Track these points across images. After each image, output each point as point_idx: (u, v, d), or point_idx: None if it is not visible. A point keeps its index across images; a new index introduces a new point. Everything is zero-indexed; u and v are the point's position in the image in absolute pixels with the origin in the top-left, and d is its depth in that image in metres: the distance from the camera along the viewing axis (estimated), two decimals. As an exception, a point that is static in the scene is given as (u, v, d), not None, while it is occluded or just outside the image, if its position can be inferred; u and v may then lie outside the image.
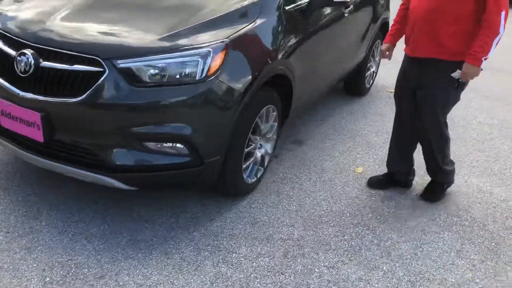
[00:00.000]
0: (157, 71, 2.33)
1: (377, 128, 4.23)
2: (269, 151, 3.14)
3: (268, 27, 2.82)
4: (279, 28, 2.90)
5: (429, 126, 2.91)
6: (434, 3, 2.65)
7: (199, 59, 2.36)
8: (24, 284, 2.20)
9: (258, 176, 3.07)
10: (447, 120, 2.95)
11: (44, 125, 2.36)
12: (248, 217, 2.82)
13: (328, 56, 3.69)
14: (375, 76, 5.23)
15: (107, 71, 2.27)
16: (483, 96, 5.30)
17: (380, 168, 3.47)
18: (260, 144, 3.05)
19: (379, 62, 5.22)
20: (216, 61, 2.41)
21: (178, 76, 2.35)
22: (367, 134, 4.10)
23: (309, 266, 2.47)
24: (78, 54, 2.31)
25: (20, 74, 2.37)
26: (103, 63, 2.28)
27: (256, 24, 2.73)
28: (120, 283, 2.25)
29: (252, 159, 2.95)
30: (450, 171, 3.13)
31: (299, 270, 2.44)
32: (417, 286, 2.40)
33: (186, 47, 2.38)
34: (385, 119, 4.38)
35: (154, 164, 2.44)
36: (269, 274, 2.39)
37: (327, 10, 3.49)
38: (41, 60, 2.35)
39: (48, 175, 2.95)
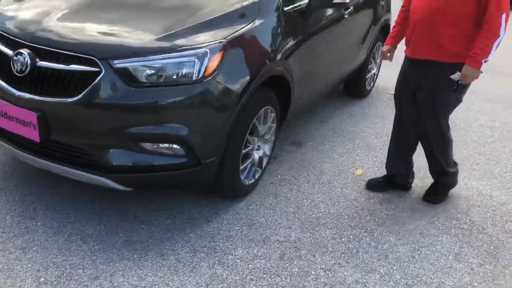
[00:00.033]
0: (153, 71, 2.32)
1: (377, 130, 4.21)
2: (267, 152, 3.12)
3: (266, 28, 2.81)
4: (278, 29, 2.89)
5: (430, 128, 2.89)
6: (434, 4, 2.64)
7: (196, 60, 2.35)
8: (18, 284, 2.19)
9: (256, 178, 3.05)
10: (449, 122, 2.93)
11: (40, 125, 2.36)
12: (245, 218, 2.80)
13: (327, 58, 3.67)
14: (376, 78, 5.21)
15: (103, 71, 2.26)
16: (485, 98, 5.28)
17: (380, 171, 3.45)
18: (258, 146, 3.04)
19: (380, 64, 5.20)
20: (213, 62, 2.40)
21: (175, 77, 2.34)
22: (367, 136, 4.08)
23: (306, 269, 2.45)
24: (75, 54, 2.30)
25: (17, 74, 2.37)
26: (100, 63, 2.27)
27: (255, 25, 2.72)
28: (115, 284, 2.24)
29: (249, 160, 2.94)
30: (453, 173, 3.11)
31: (295, 273, 2.42)
32: (414, 290, 2.39)
33: (183, 48, 2.37)
34: (386, 121, 4.35)
35: (150, 164, 2.43)
36: (265, 276, 2.38)
37: (327, 11, 3.48)
38: (37, 60, 2.34)
39: (45, 175, 2.95)
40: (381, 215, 2.96)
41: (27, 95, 2.35)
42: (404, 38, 2.96)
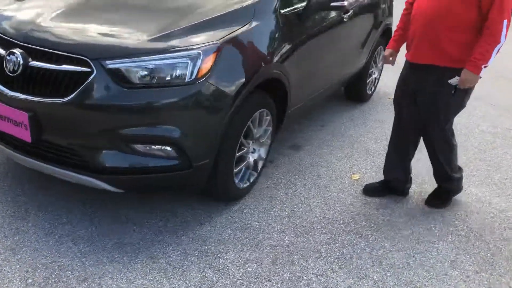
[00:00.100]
0: (146, 72, 2.30)
1: (376, 135, 4.17)
2: (263, 155, 3.09)
3: (262, 30, 2.79)
4: (274, 32, 2.87)
5: (433, 133, 2.86)
6: (436, 9, 2.61)
7: (189, 61, 2.33)
8: (6, 285, 2.17)
9: (251, 181, 3.02)
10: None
11: (31, 125, 2.34)
12: (238, 222, 2.77)
13: (326, 62, 3.64)
14: (378, 82, 5.17)
15: (95, 72, 2.25)
16: (488, 104, 5.22)
17: (377, 176, 3.41)
18: (254, 149, 3.01)
19: (382, 68, 5.16)
20: (206, 63, 2.38)
21: (167, 78, 2.32)
22: (366, 141, 4.04)
23: (298, 274, 2.42)
24: (67, 54, 2.29)
25: (9, 74, 2.36)
26: (91, 63, 2.25)
27: (251, 26, 2.70)
28: (103, 287, 2.21)
29: (244, 163, 2.91)
30: (457, 178, 3.07)
31: (287, 278, 2.38)
32: (408, 297, 2.35)
33: (176, 49, 2.35)
34: (385, 126, 4.31)
35: (142, 166, 2.41)
36: (255, 280, 2.34)
37: (325, 14, 3.45)
38: (30, 60, 2.33)
39: (39, 176, 2.93)
40: (377, 221, 2.92)
41: (19, 95, 2.34)
42: (405, 42, 2.93)
